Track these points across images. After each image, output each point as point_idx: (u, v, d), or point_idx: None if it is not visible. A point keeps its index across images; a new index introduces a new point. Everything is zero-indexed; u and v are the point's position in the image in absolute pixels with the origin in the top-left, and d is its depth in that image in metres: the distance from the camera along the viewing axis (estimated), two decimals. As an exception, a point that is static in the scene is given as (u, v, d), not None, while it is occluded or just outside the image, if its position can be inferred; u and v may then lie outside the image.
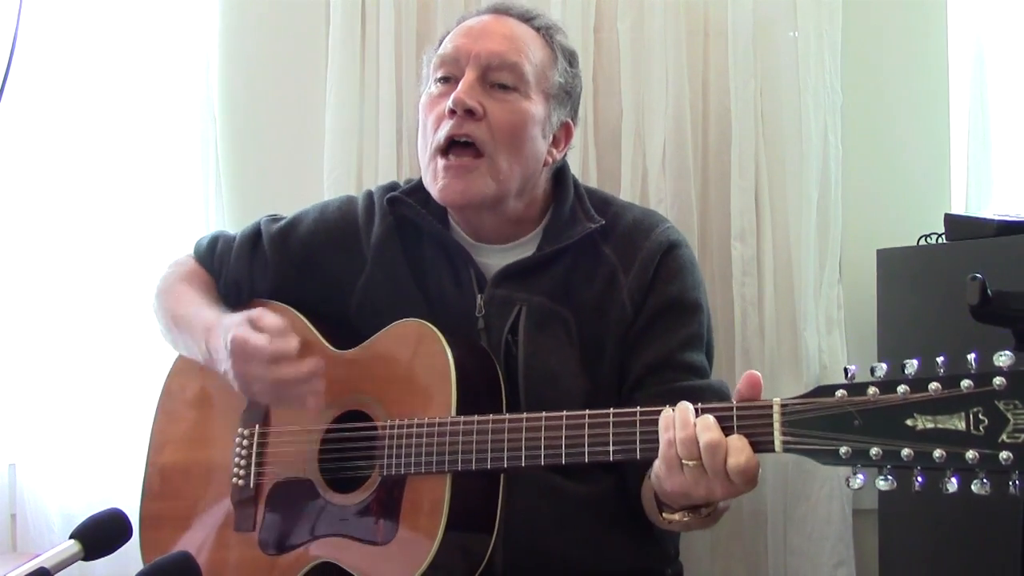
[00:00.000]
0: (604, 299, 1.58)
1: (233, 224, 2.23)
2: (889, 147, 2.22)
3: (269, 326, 1.51)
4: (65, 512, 2.14)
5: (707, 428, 1.22)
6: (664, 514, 1.36)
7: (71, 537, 1.19)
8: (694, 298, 1.60)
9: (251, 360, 1.49)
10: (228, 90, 2.26)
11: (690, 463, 1.23)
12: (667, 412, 1.27)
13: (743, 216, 2.12)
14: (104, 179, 2.21)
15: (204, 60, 2.23)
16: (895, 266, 2.06)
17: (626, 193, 2.11)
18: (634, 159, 2.14)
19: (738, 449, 1.21)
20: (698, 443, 1.22)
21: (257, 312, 1.55)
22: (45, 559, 1.14)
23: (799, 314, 2.11)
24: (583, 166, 2.13)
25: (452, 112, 1.54)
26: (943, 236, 1.94)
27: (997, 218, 1.81)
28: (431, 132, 1.58)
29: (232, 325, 1.53)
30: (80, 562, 1.19)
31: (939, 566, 1.89)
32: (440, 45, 1.64)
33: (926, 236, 2.02)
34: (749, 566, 2.14)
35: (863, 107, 2.19)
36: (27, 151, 2.19)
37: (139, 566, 1.53)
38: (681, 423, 1.24)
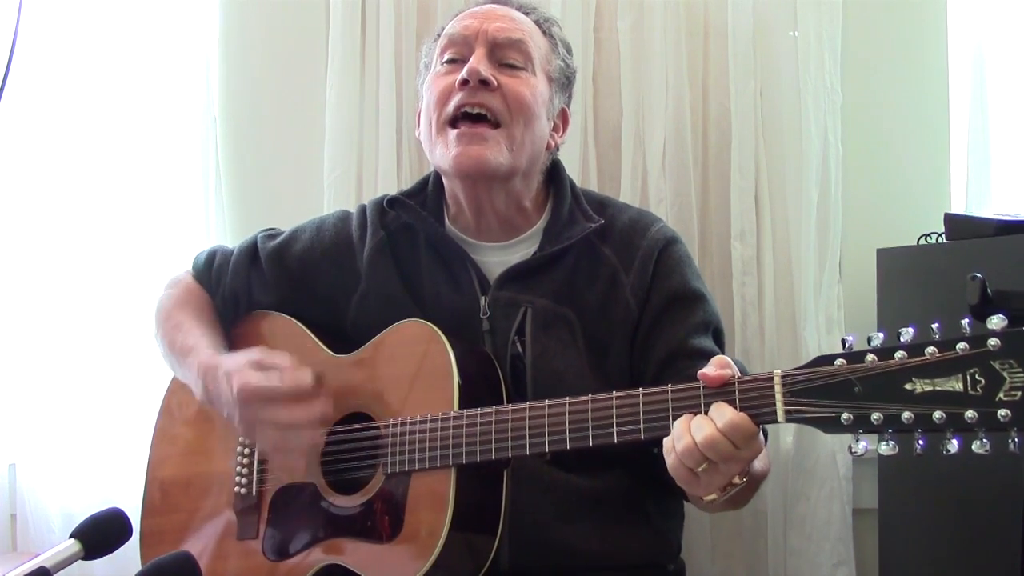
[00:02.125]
0: (607, 299, 1.59)
1: (233, 224, 2.23)
2: (889, 147, 2.22)
3: (279, 363, 1.49)
4: (65, 512, 2.14)
5: (699, 427, 1.23)
6: (704, 497, 1.33)
7: (71, 537, 1.20)
8: (695, 288, 1.61)
9: (264, 405, 1.47)
10: (228, 90, 2.26)
11: (700, 468, 1.23)
12: (667, 439, 1.27)
13: (743, 216, 2.12)
14: (104, 179, 2.21)
15: (204, 61, 2.24)
16: (895, 266, 2.06)
17: (626, 193, 2.11)
18: (634, 159, 2.14)
19: (721, 413, 1.22)
20: (697, 446, 1.22)
21: (258, 353, 1.52)
22: (45, 559, 1.14)
23: (799, 314, 2.11)
24: (583, 166, 2.14)
25: (463, 84, 1.54)
26: (943, 236, 1.94)
27: (997, 218, 1.81)
28: (438, 106, 1.58)
29: (235, 369, 1.50)
30: (80, 562, 1.19)
31: (939, 566, 1.89)
32: (440, 35, 1.65)
33: (926, 236, 2.02)
34: (749, 566, 2.14)
35: (863, 107, 2.19)
36: (27, 151, 2.19)
37: (139, 567, 1.53)
38: (678, 435, 1.24)
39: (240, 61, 2.27)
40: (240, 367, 1.50)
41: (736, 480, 1.28)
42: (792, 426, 2.09)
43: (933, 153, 2.22)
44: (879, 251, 2.09)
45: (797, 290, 2.12)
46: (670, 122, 2.12)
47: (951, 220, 1.91)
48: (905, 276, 2.04)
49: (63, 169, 2.19)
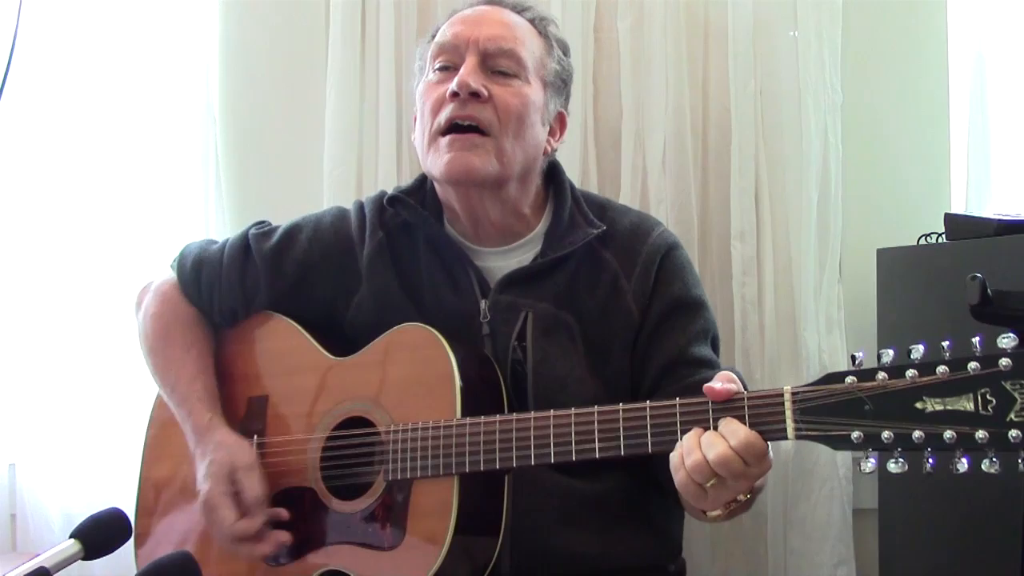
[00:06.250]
0: (608, 304, 1.58)
1: (233, 224, 2.23)
2: (889, 147, 2.22)
3: (247, 500, 1.53)
4: (65, 512, 2.14)
5: (711, 445, 1.23)
6: (708, 513, 1.35)
7: (71, 537, 1.19)
8: (696, 295, 1.61)
9: (213, 524, 1.54)
10: (228, 91, 2.26)
11: (708, 483, 1.23)
12: (674, 453, 1.27)
13: (743, 216, 2.12)
14: (105, 180, 2.21)
15: (204, 61, 2.24)
16: (895, 266, 2.06)
17: (626, 193, 2.11)
18: (634, 159, 2.13)
19: (733, 431, 1.22)
20: (708, 463, 1.22)
21: (242, 476, 1.54)
22: (45, 559, 1.14)
23: (799, 314, 2.11)
24: (583, 166, 2.13)
25: (454, 96, 1.53)
26: (943, 236, 1.94)
27: (997, 218, 1.81)
28: (430, 117, 1.57)
29: (214, 471, 1.54)
30: (80, 562, 1.19)
31: (939, 566, 1.89)
32: (434, 36, 1.64)
33: (926, 236, 2.02)
34: (749, 566, 2.14)
35: (863, 107, 2.19)
36: (28, 152, 2.19)
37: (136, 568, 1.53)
38: (688, 450, 1.25)
39: (240, 61, 2.27)
40: (220, 470, 1.54)
41: (740, 497, 1.29)
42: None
43: (933, 153, 2.22)
44: (879, 251, 2.09)
45: (797, 290, 2.12)
46: (670, 122, 2.12)
47: (951, 220, 1.91)
48: (905, 276, 2.04)
49: (64, 170, 2.19)
